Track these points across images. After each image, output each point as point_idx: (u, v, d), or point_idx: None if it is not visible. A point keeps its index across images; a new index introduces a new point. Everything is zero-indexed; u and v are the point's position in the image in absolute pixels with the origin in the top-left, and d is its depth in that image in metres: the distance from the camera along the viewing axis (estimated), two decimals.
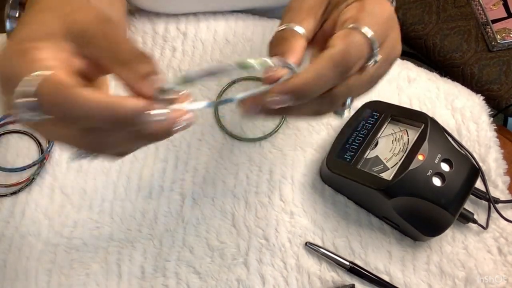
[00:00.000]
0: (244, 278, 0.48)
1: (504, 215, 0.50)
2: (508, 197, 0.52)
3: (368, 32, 0.31)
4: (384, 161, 0.47)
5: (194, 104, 0.29)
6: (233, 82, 0.57)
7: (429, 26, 0.99)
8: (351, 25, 0.31)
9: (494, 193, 0.52)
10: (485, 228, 0.50)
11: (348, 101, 0.34)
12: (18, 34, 0.29)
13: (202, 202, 0.51)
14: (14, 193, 0.50)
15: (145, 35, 0.59)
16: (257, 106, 0.32)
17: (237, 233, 0.50)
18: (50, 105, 0.26)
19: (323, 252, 0.48)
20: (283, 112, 0.32)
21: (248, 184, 0.52)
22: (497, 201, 0.51)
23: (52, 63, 0.27)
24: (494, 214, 0.51)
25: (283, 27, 0.33)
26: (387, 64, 0.35)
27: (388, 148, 0.48)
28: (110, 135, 0.28)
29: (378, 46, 0.31)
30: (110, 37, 0.28)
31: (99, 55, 0.28)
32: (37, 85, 0.25)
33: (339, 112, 0.35)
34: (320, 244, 0.49)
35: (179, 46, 0.59)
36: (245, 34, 0.60)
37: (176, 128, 0.28)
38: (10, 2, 0.35)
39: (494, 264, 0.49)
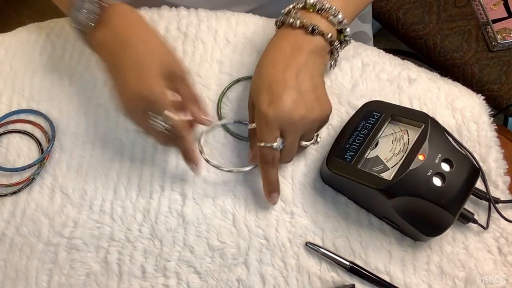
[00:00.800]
0: (244, 278, 0.48)
1: (505, 215, 0.50)
2: (509, 197, 0.52)
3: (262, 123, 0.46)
4: (385, 161, 0.47)
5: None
6: (237, 81, 0.57)
7: (430, 26, 0.99)
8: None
9: (495, 193, 0.52)
10: (485, 228, 0.50)
11: (304, 143, 0.49)
12: (147, 65, 0.46)
13: (202, 202, 0.51)
14: (14, 193, 0.50)
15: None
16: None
17: (237, 233, 0.50)
18: (173, 131, 0.46)
19: (323, 252, 0.48)
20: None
21: (248, 184, 0.52)
22: (497, 201, 0.50)
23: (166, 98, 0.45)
24: (495, 214, 0.50)
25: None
26: (301, 129, 0.47)
27: (389, 148, 0.48)
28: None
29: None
30: (188, 81, 0.49)
31: (179, 92, 0.48)
32: (175, 122, 0.45)
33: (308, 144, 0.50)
34: (320, 244, 0.49)
35: (180, 46, 0.59)
36: (246, 34, 0.60)
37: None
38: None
39: (494, 264, 0.49)
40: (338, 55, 0.52)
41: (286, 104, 0.43)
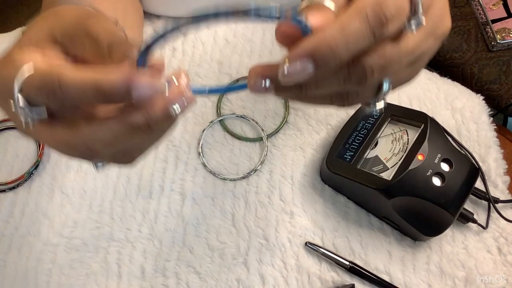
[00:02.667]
0: (244, 278, 0.48)
1: (504, 215, 0.50)
2: (508, 197, 0.52)
3: None
4: (384, 161, 0.47)
5: (197, 88, 0.27)
6: (237, 81, 0.57)
7: None
8: None
9: (494, 193, 0.52)
10: (485, 228, 0.50)
11: (385, 85, 0.26)
12: (8, 49, 0.28)
13: (202, 202, 0.51)
14: (13, 188, 0.50)
15: (144, 35, 0.59)
16: (267, 79, 0.25)
17: (237, 233, 0.50)
18: (38, 95, 0.25)
19: (323, 252, 0.48)
20: (298, 94, 0.26)
21: (248, 184, 0.52)
22: (497, 201, 0.51)
23: (38, 60, 0.26)
24: (494, 214, 0.51)
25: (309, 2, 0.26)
26: (434, 39, 0.27)
27: (388, 148, 0.48)
28: (104, 134, 0.26)
29: (422, 8, 0.24)
30: (93, 32, 0.27)
31: (84, 54, 0.27)
32: (23, 80, 0.25)
33: (371, 104, 0.27)
34: (320, 244, 0.49)
35: (179, 46, 0.59)
36: (245, 34, 0.60)
37: (174, 108, 0.25)
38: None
39: (494, 264, 0.49)
40: None
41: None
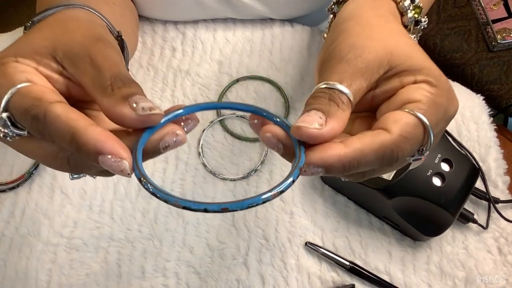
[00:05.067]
0: (244, 278, 0.48)
1: (504, 215, 0.50)
2: (508, 197, 0.52)
3: (431, 128, 0.27)
4: None
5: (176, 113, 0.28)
6: (237, 81, 0.57)
7: (429, 26, 0.99)
8: (416, 113, 0.26)
9: (494, 193, 0.52)
10: (485, 228, 0.50)
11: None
12: (4, 51, 0.28)
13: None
14: (13, 188, 0.50)
15: (144, 35, 0.59)
16: (280, 144, 0.28)
17: (237, 233, 0.50)
18: (22, 118, 0.25)
19: (323, 252, 0.48)
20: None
21: (248, 184, 0.52)
22: (497, 201, 0.50)
23: (32, 77, 0.26)
24: (494, 214, 0.50)
25: (329, 85, 0.27)
26: (444, 124, 0.30)
27: None
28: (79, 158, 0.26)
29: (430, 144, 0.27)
30: (97, 62, 0.26)
31: (81, 79, 0.27)
32: (9, 98, 0.25)
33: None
34: (320, 244, 0.49)
35: (179, 46, 0.59)
36: (245, 34, 0.60)
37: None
38: None
39: (494, 264, 0.49)
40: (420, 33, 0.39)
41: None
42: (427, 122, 0.26)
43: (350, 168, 0.25)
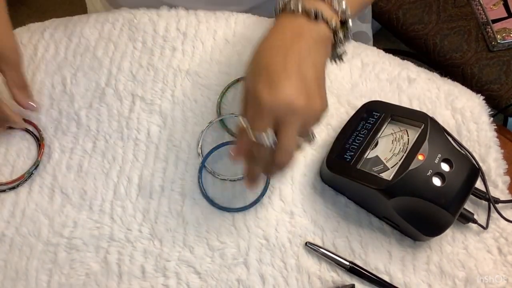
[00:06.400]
0: (244, 278, 0.48)
1: (504, 215, 0.50)
2: (508, 197, 0.52)
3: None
4: (384, 161, 0.47)
5: None
6: (237, 80, 0.57)
7: (429, 26, 0.99)
8: None
9: (494, 193, 0.52)
10: (485, 228, 0.50)
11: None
12: None
13: (202, 202, 0.51)
14: (14, 188, 0.50)
15: (145, 35, 0.59)
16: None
17: (237, 233, 0.50)
18: None
19: (323, 252, 0.48)
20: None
21: None
22: (497, 201, 0.51)
23: None
24: (494, 214, 0.51)
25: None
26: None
27: (388, 148, 0.48)
28: None
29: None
30: (17, 66, 0.49)
31: (4, 73, 0.48)
32: None
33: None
34: (320, 244, 0.49)
35: (179, 46, 0.59)
36: (245, 34, 0.60)
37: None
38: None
39: (494, 264, 0.49)
40: (344, 52, 0.47)
41: (287, 91, 0.39)
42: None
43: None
